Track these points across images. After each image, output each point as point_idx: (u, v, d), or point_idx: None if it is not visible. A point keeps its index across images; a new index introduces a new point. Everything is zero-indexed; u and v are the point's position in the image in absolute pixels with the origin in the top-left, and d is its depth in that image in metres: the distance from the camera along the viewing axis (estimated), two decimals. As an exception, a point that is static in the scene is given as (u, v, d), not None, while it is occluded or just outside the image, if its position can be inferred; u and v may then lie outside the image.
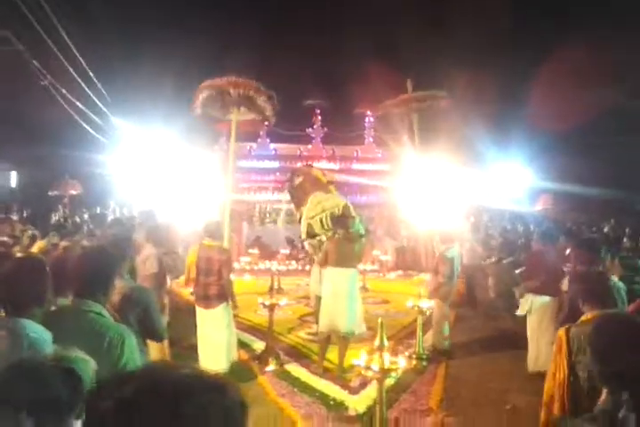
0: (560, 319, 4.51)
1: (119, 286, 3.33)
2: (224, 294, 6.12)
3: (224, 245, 6.73)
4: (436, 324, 7.00)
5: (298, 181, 7.45)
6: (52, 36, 11.05)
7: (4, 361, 1.64)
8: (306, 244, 7.63)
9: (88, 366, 1.66)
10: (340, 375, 5.95)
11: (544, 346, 5.89)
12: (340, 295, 6.13)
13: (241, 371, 6.15)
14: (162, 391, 0.90)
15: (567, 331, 3.02)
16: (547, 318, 5.94)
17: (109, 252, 3.09)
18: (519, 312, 6.22)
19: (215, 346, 6.04)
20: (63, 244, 5.82)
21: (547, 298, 6.00)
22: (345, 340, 6.20)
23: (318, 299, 6.75)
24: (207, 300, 6.09)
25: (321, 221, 6.44)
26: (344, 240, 6.32)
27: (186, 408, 0.89)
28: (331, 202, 6.62)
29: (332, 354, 6.34)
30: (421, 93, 10.99)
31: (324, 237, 6.67)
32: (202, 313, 6.15)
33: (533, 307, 6.06)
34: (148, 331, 3.41)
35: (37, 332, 2.19)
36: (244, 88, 8.47)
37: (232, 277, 6.49)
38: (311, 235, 6.53)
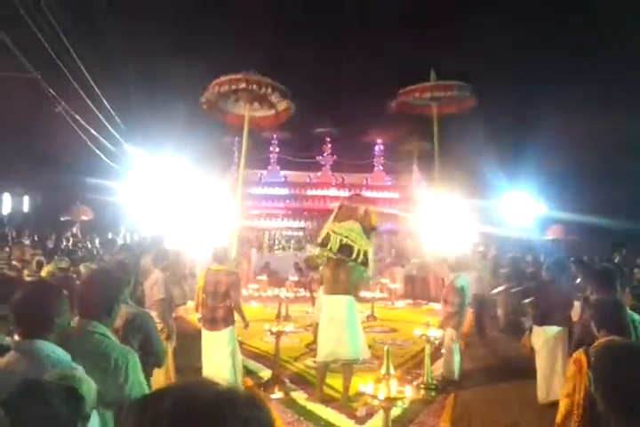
0: (572, 347, 4.45)
1: (122, 310, 3.35)
2: (230, 318, 6.11)
3: (231, 268, 6.73)
4: (447, 353, 6.91)
5: (362, 209, 7.44)
6: (66, 63, 11.31)
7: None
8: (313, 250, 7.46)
9: (90, 385, 1.66)
10: (345, 404, 5.86)
11: (556, 376, 5.81)
12: (337, 323, 6.06)
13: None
14: (204, 406, 0.91)
15: (586, 352, 2.99)
16: (558, 349, 5.87)
17: (114, 274, 3.11)
18: (535, 348, 6.10)
19: (219, 369, 5.99)
20: (81, 269, 5.84)
21: (557, 328, 5.93)
22: (349, 367, 6.13)
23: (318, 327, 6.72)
24: (213, 323, 6.09)
25: (340, 241, 6.42)
26: (339, 264, 6.28)
27: (228, 422, 0.90)
28: (360, 239, 6.60)
29: (338, 382, 6.26)
30: (445, 82, 11.02)
31: (325, 253, 6.60)
32: (207, 336, 6.14)
33: (545, 338, 5.98)
34: (148, 356, 3.41)
35: (56, 352, 2.21)
36: (257, 83, 8.53)
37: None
38: (324, 244, 6.50)
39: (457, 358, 6.86)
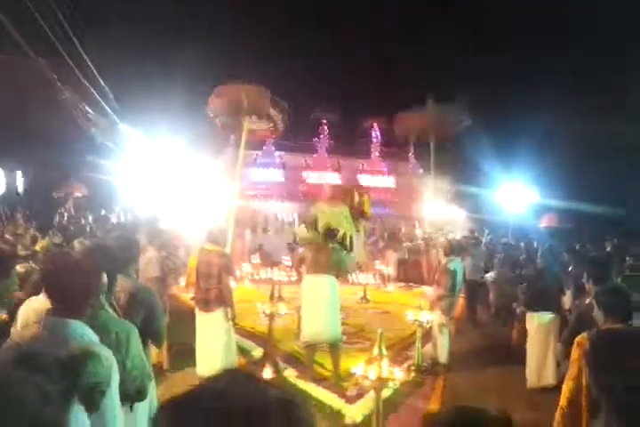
0: (565, 335, 4.49)
1: (126, 284, 3.34)
2: (224, 299, 6.11)
3: (225, 250, 6.72)
4: (436, 337, 6.96)
5: (356, 195, 7.44)
6: (60, 39, 11.15)
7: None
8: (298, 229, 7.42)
9: (109, 363, 1.66)
10: (336, 383, 5.91)
11: (548, 362, 5.88)
12: (321, 302, 6.06)
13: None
14: (257, 406, 0.91)
15: (589, 336, 3.02)
16: (550, 335, 5.93)
17: (112, 250, 3.09)
18: (529, 334, 6.17)
19: (213, 350, 6.02)
20: (75, 245, 5.81)
21: (550, 314, 5.99)
22: (336, 347, 6.17)
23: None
24: (207, 304, 6.08)
25: (327, 224, 6.41)
26: (321, 246, 6.31)
27: (275, 420, 0.91)
28: (347, 224, 6.58)
29: (328, 360, 6.32)
30: (444, 112, 11.04)
31: (311, 234, 6.60)
32: (201, 317, 6.14)
33: (538, 323, 6.04)
34: (150, 332, 3.39)
35: (87, 334, 2.16)
36: (256, 97, 8.53)
37: (233, 284, 6.48)
38: (312, 224, 6.50)
39: (445, 341, 6.91)
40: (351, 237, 6.40)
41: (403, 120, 11.68)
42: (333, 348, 6.18)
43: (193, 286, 6.41)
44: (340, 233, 6.32)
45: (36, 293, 3.23)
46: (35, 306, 2.92)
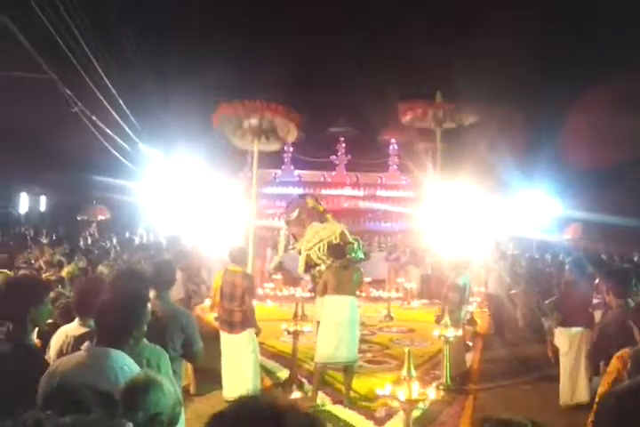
0: (590, 351, 4.40)
1: (165, 308, 3.38)
2: (248, 320, 6.10)
3: (248, 270, 6.73)
4: (453, 350, 6.86)
5: (294, 214, 7.48)
6: (82, 64, 11.38)
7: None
8: (305, 276, 7.54)
9: (168, 391, 1.66)
10: (347, 405, 5.80)
11: (580, 378, 5.75)
12: (343, 324, 6.03)
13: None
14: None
15: (632, 352, 2.96)
16: (582, 350, 5.80)
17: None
18: (561, 350, 6.04)
19: (240, 372, 5.99)
20: (101, 269, 5.87)
21: (581, 329, 5.86)
22: (351, 368, 6.11)
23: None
24: (231, 326, 6.07)
25: (319, 250, 6.43)
26: (341, 268, 6.32)
27: None
28: (327, 231, 6.59)
29: (354, 382, 6.23)
30: (449, 103, 10.97)
31: (322, 267, 6.63)
32: (226, 338, 6.12)
33: (570, 339, 5.91)
34: (189, 355, 3.52)
35: (128, 365, 2.17)
36: (263, 114, 8.48)
37: (254, 302, 6.48)
38: (310, 266, 6.51)
39: (462, 353, 6.87)
40: (343, 233, 6.41)
41: (408, 107, 11.58)
42: (348, 369, 6.11)
43: (218, 307, 6.42)
44: (334, 241, 6.31)
45: (66, 319, 3.25)
46: (69, 333, 2.93)
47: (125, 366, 2.15)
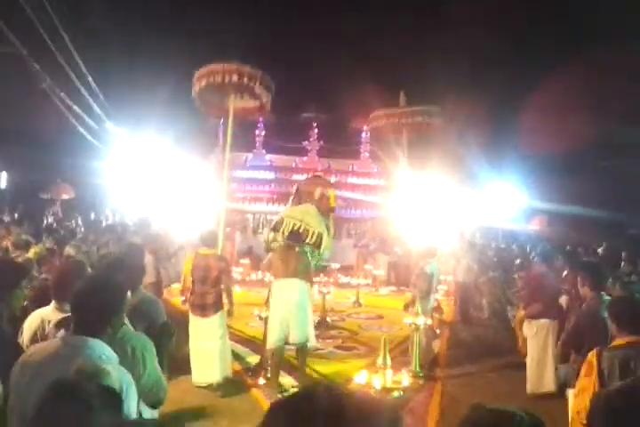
0: (563, 340, 4.49)
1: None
2: (220, 303, 6.06)
3: (219, 252, 6.65)
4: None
5: (318, 191, 7.35)
6: (52, 39, 10.99)
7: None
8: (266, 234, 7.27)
9: (122, 381, 1.59)
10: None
11: (546, 369, 5.88)
12: (287, 306, 5.90)
13: (234, 383, 6.06)
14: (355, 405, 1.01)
15: (598, 355, 3.00)
16: (549, 341, 5.93)
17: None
18: (529, 340, 6.16)
19: (209, 357, 5.95)
20: (68, 250, 5.71)
21: (548, 320, 5.98)
22: (303, 352, 6.06)
23: None
24: (203, 309, 6.02)
25: (293, 225, 6.33)
26: (287, 250, 6.12)
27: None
28: (314, 221, 6.51)
29: (321, 366, 6.34)
30: (414, 109, 10.97)
31: (278, 238, 6.48)
32: (197, 322, 6.07)
33: (536, 329, 6.03)
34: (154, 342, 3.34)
35: (106, 354, 2.11)
36: (240, 75, 8.40)
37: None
38: (276, 228, 6.40)
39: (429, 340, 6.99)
40: (320, 235, 6.35)
41: (374, 120, 11.65)
42: (300, 351, 6.07)
43: (188, 291, 6.34)
44: (310, 232, 6.23)
45: (39, 302, 3.15)
46: (45, 317, 2.84)
47: (104, 355, 2.09)
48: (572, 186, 17.19)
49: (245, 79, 8.35)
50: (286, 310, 5.92)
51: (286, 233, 6.16)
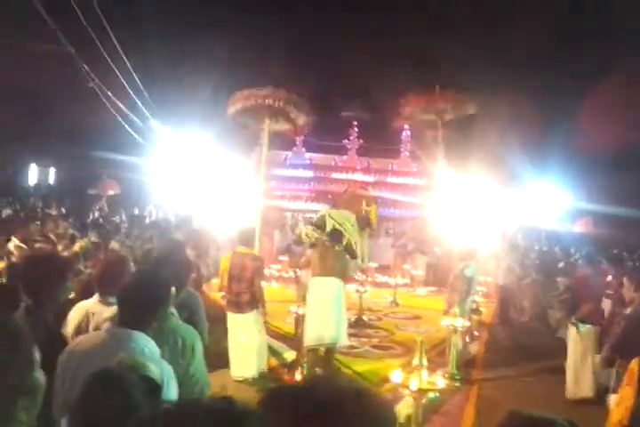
0: (610, 345, 4.39)
1: None
2: (255, 301, 6.13)
3: (255, 251, 6.74)
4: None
5: (361, 201, 7.43)
6: (100, 39, 11.29)
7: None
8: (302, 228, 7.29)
9: (156, 372, 1.65)
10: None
11: (585, 373, 5.76)
12: (324, 304, 5.95)
13: (270, 379, 6.12)
14: (348, 398, 1.01)
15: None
16: (588, 346, 5.80)
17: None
18: (570, 344, 6.05)
19: (246, 352, 6.03)
20: (113, 244, 5.87)
21: (589, 326, 5.86)
22: (331, 351, 6.07)
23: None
24: (239, 306, 6.10)
25: (333, 225, 6.37)
26: (327, 248, 6.17)
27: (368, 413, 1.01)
28: (351, 230, 6.53)
29: (357, 365, 6.36)
30: (448, 94, 10.97)
31: (316, 234, 6.51)
32: (233, 318, 6.16)
33: (576, 334, 5.91)
34: None
35: (149, 347, 2.17)
36: (275, 100, 8.64)
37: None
38: (317, 225, 6.44)
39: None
40: (355, 245, 6.37)
41: (406, 100, 11.63)
42: (330, 351, 6.07)
43: (225, 289, 6.44)
44: (346, 239, 6.26)
45: (84, 294, 3.26)
46: (89, 310, 2.93)
47: (147, 348, 2.15)
48: (618, 186, 16.71)
49: (281, 103, 8.65)
50: (323, 307, 5.96)
51: (328, 230, 6.21)
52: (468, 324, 6.83)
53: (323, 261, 6.14)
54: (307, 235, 6.39)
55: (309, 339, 6.01)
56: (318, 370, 6.10)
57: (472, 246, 7.68)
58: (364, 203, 7.36)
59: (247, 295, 6.08)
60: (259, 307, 6.17)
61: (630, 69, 16.28)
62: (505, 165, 16.39)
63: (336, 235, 6.28)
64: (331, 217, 6.36)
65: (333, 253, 6.17)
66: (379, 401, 1.05)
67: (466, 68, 18.13)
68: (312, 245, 6.57)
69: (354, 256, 6.34)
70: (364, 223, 6.69)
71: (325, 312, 5.94)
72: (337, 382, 1.06)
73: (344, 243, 6.20)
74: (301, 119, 9.61)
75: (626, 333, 4.09)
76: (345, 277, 6.29)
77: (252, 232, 6.78)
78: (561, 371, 6.17)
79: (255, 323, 6.13)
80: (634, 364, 2.97)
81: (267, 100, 8.71)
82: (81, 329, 2.86)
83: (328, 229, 6.23)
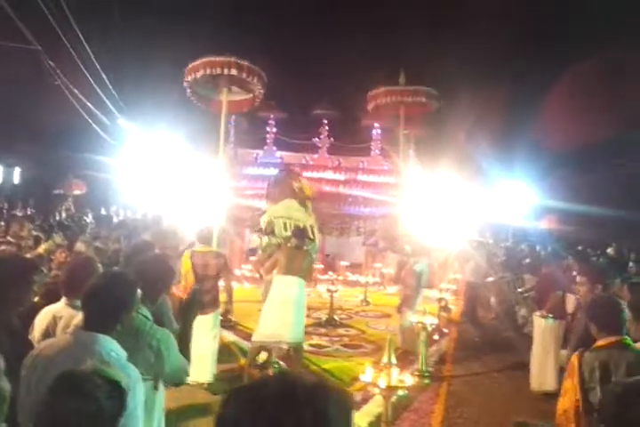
0: (572, 343, 4.50)
1: None
2: (217, 302, 6.05)
3: (218, 249, 6.68)
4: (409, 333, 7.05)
5: (290, 183, 7.41)
6: (66, 36, 11.09)
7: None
8: (254, 236, 7.39)
9: (121, 376, 1.64)
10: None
11: (549, 367, 5.89)
12: (286, 303, 5.93)
13: (235, 379, 6.04)
14: (304, 390, 1.03)
15: (580, 357, 3.03)
16: (552, 340, 5.94)
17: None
18: (535, 339, 6.18)
19: (201, 354, 5.92)
20: (79, 246, 5.77)
21: (552, 320, 5.99)
22: (298, 351, 6.07)
23: None
24: (202, 306, 6.02)
25: (284, 224, 6.39)
26: (295, 249, 6.25)
27: (324, 404, 1.03)
28: (301, 215, 6.55)
29: (327, 364, 6.38)
30: (412, 88, 11.12)
31: (273, 240, 6.55)
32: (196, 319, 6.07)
33: (542, 328, 6.05)
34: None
35: (114, 350, 2.16)
36: (234, 69, 8.44)
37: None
38: (268, 232, 6.45)
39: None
40: (312, 228, 6.41)
41: (374, 97, 11.78)
42: (295, 351, 6.07)
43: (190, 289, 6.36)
44: (307, 231, 6.30)
45: (50, 298, 3.20)
46: (56, 314, 2.89)
47: (113, 352, 2.14)
48: (584, 184, 17.08)
49: (244, 74, 8.42)
50: (283, 306, 5.94)
51: (284, 233, 6.21)
52: (415, 320, 6.83)
53: (290, 261, 6.16)
54: (269, 244, 6.41)
55: (260, 334, 5.98)
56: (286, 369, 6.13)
57: (424, 243, 7.79)
58: (293, 184, 7.37)
59: (210, 295, 5.97)
60: (219, 307, 6.08)
61: (594, 68, 16.64)
62: (472, 163, 16.63)
63: (297, 231, 6.32)
64: (276, 217, 6.37)
65: (302, 254, 6.22)
66: (334, 391, 1.07)
67: (432, 67, 18.29)
68: (269, 254, 6.61)
69: (312, 239, 6.38)
70: (304, 202, 6.72)
71: (285, 311, 5.92)
72: (292, 376, 1.09)
73: (310, 235, 6.22)
74: (258, 89, 9.44)
75: (586, 325, 4.22)
76: (309, 276, 6.31)
77: (210, 230, 6.72)
78: (527, 366, 6.30)
79: (214, 326, 5.98)
80: (574, 358, 3.07)
81: (234, 70, 8.47)
82: (49, 334, 2.83)
83: (281, 230, 6.24)
